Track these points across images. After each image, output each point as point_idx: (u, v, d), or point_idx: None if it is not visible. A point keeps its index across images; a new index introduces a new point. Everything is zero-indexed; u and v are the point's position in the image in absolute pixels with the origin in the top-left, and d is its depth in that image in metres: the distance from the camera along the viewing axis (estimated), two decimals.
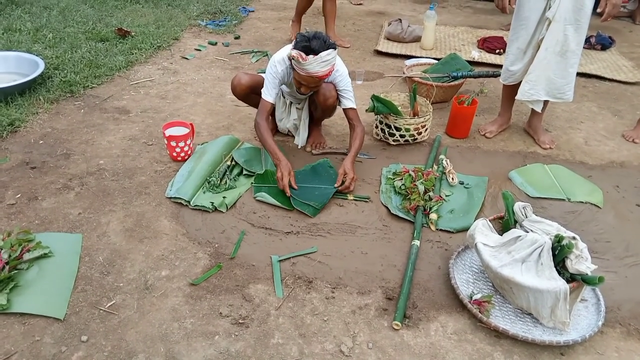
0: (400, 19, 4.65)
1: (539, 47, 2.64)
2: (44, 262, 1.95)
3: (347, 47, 4.27)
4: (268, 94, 2.47)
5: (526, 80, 2.75)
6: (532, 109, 2.87)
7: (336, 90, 2.51)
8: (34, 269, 1.91)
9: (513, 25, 2.74)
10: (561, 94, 2.74)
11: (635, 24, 5.72)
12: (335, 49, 2.28)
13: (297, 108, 2.78)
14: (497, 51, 4.32)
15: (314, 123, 2.86)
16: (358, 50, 4.31)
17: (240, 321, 1.76)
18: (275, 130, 2.94)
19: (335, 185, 2.42)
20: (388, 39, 4.64)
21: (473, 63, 4.01)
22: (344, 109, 2.58)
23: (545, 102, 2.86)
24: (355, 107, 2.56)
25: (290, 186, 2.38)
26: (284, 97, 2.76)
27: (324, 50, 2.22)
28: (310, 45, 2.21)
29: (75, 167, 2.59)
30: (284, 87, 2.65)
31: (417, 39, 4.59)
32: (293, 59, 2.26)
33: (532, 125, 3.03)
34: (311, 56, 2.21)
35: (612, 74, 4.08)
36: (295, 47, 2.26)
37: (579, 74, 3.96)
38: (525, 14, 2.62)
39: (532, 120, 3.03)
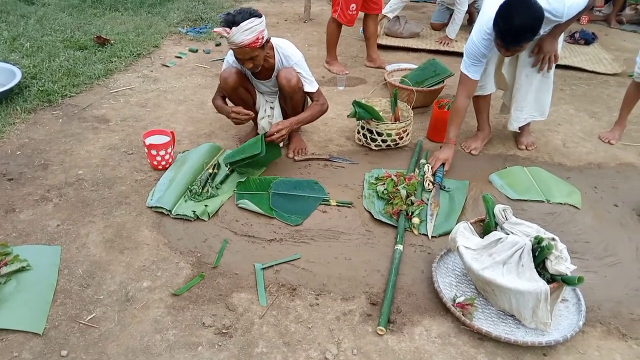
0: (398, 16, 4.88)
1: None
2: (22, 275, 1.91)
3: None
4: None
5: (516, 108, 2.82)
6: None
7: (297, 72, 2.58)
8: (12, 283, 1.87)
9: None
10: (544, 110, 2.86)
11: (611, 27, 5.85)
12: (259, 17, 2.34)
13: (270, 107, 2.82)
14: None
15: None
16: (340, 56, 4.33)
17: (224, 331, 1.74)
18: (255, 131, 2.96)
19: (267, 133, 2.54)
20: (387, 34, 4.95)
21: None
22: (306, 92, 2.69)
23: None
24: (314, 90, 2.68)
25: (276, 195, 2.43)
26: (260, 93, 2.82)
27: (245, 20, 2.28)
28: (233, 19, 2.30)
29: (54, 177, 2.54)
30: (249, 78, 2.74)
31: (414, 35, 4.93)
32: (220, 35, 2.35)
33: (521, 127, 3.06)
34: (234, 28, 2.29)
35: (593, 67, 4.35)
36: (220, 25, 2.35)
37: (562, 67, 4.12)
38: (482, 52, 2.52)
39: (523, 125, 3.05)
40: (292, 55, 2.60)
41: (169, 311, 1.81)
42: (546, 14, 2.28)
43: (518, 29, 2.23)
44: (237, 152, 2.56)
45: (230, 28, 2.28)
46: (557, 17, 2.37)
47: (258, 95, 2.80)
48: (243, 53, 2.39)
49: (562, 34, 2.63)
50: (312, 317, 1.82)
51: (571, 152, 3.01)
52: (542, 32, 2.48)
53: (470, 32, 2.60)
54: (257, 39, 2.34)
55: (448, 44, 4.72)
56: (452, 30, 4.71)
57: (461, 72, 2.62)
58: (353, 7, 3.83)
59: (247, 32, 2.28)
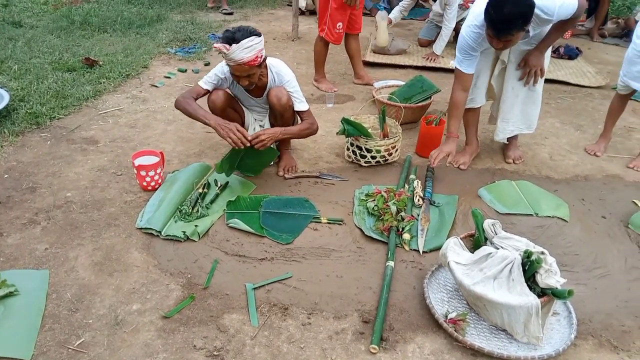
0: None
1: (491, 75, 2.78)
2: (9, 301, 1.88)
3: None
4: (203, 83, 2.63)
5: (502, 119, 2.86)
6: None
7: (287, 91, 2.61)
8: None
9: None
10: (531, 124, 2.90)
11: (593, 41, 5.98)
12: (259, 36, 2.38)
13: (260, 125, 2.84)
14: None
15: (283, 145, 2.87)
16: (328, 73, 4.37)
17: (215, 353, 1.72)
18: None
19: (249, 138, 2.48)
20: (374, 51, 5.02)
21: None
22: (296, 111, 2.71)
23: None
24: (305, 109, 2.70)
25: (264, 213, 2.41)
26: (249, 111, 2.83)
27: (246, 38, 2.32)
28: (233, 36, 2.33)
29: (42, 200, 2.52)
30: (240, 95, 2.74)
31: (402, 52, 5.00)
32: (219, 51, 2.35)
33: (508, 140, 3.09)
34: (234, 45, 2.31)
35: (577, 80, 4.46)
36: (219, 41, 2.37)
37: (547, 81, 4.17)
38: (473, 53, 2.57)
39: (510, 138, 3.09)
40: (284, 74, 2.63)
41: (159, 334, 1.79)
42: (537, 11, 2.31)
43: (509, 16, 2.25)
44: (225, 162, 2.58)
45: (230, 45, 2.31)
46: (547, 15, 2.39)
47: (247, 115, 2.82)
48: (241, 70, 2.42)
49: (549, 49, 2.68)
50: (304, 336, 1.80)
51: (558, 165, 3.05)
52: (531, 33, 2.51)
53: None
54: (256, 57, 2.38)
55: (434, 60, 4.79)
56: (439, 46, 4.78)
57: (455, 67, 2.67)
58: (339, 26, 3.88)
59: (246, 50, 2.32)
